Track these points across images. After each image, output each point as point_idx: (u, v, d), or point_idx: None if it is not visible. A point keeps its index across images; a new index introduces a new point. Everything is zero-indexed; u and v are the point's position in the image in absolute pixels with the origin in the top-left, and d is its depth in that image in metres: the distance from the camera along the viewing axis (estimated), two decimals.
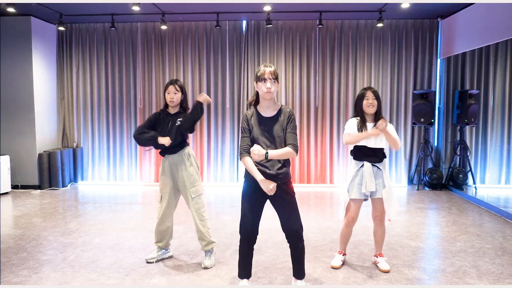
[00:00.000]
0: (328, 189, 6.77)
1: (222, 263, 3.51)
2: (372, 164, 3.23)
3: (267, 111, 2.75)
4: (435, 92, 6.75)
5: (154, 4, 5.81)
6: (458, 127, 6.56)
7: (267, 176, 2.66)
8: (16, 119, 6.50)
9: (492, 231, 4.38)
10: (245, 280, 2.83)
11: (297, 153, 2.67)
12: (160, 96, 7.01)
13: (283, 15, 6.50)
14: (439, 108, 6.91)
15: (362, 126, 3.24)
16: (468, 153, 6.55)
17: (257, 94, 2.79)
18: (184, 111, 3.50)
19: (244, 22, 6.86)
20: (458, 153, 6.56)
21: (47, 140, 6.85)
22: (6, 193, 6.29)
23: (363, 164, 3.25)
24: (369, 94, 3.24)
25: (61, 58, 7.09)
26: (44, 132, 6.78)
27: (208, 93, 6.96)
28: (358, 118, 3.28)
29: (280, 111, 2.74)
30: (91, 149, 7.19)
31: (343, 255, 3.49)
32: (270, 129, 2.70)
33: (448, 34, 6.59)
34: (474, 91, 6.35)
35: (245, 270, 2.83)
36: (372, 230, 3.50)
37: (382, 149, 3.26)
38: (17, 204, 5.67)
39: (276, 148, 2.67)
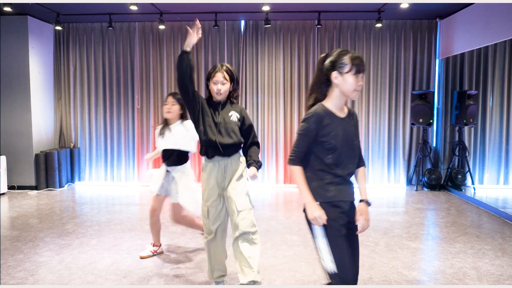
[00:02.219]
0: None
1: None
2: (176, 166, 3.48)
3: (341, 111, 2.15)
4: (433, 92, 6.74)
5: (152, 4, 5.77)
6: (457, 128, 6.54)
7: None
8: (12, 119, 6.45)
9: (491, 232, 4.37)
10: None
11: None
12: (158, 97, 6.97)
13: (281, 15, 6.47)
14: (437, 108, 6.90)
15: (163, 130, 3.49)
16: (467, 154, 6.54)
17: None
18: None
19: (243, 22, 6.83)
20: (457, 154, 6.55)
21: (44, 141, 6.80)
22: (3, 193, 6.24)
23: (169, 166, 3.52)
24: (169, 99, 3.45)
25: (58, 58, 7.04)
26: (41, 132, 6.73)
27: (206, 94, 6.92)
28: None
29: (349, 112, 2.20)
30: (89, 149, 7.15)
31: (153, 246, 3.69)
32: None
33: (446, 35, 6.58)
34: (473, 92, 6.33)
35: None
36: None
37: (176, 151, 3.46)
38: (14, 205, 5.62)
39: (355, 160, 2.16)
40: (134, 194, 6.41)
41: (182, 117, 3.51)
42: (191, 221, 3.66)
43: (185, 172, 3.49)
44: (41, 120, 6.72)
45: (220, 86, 2.78)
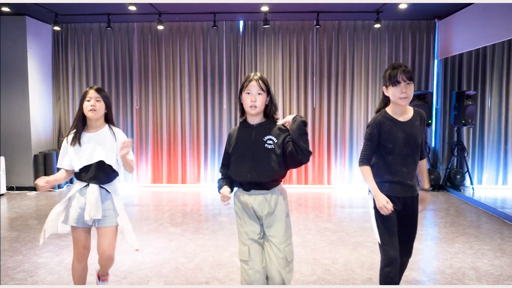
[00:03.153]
0: (326, 190, 6.75)
1: (220, 265, 3.48)
2: (99, 186, 2.53)
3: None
4: (432, 93, 6.75)
5: (150, 4, 5.77)
6: (455, 128, 6.56)
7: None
8: (11, 120, 6.44)
9: (490, 232, 4.38)
10: None
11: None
12: (157, 97, 6.96)
13: (280, 15, 6.48)
14: (436, 109, 6.92)
15: None
16: (466, 154, 6.55)
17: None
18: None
19: (241, 23, 6.83)
20: (456, 154, 6.56)
21: (42, 141, 6.79)
22: (2, 194, 6.23)
23: (87, 185, 2.53)
24: (92, 93, 2.56)
25: (56, 59, 7.03)
26: (40, 133, 6.72)
27: (205, 93, 6.93)
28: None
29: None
30: None
31: None
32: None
33: (445, 35, 6.60)
34: (471, 92, 6.35)
35: None
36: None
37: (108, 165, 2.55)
38: (13, 205, 5.61)
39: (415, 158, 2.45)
40: (133, 195, 6.40)
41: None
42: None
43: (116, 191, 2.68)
44: (40, 120, 6.71)
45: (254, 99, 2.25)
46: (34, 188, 6.54)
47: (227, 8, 6.10)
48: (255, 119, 2.28)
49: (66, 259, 3.61)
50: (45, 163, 6.53)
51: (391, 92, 2.34)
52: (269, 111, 2.30)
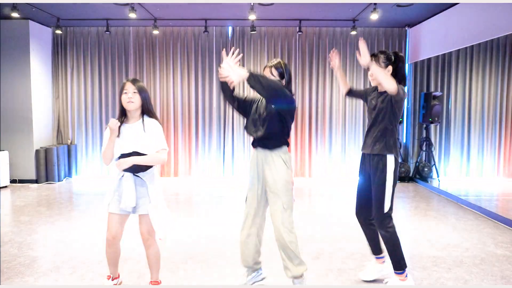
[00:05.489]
0: (308, 181, 7.37)
1: (215, 240, 4.03)
2: (133, 174, 2.65)
3: None
4: None
5: (147, 10, 6.30)
6: (424, 126, 7.26)
7: None
8: (14, 116, 6.88)
9: (447, 214, 5.06)
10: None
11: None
12: (151, 96, 7.48)
13: (266, 22, 7.09)
14: (407, 108, 7.61)
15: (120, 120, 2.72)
16: (433, 149, 7.26)
17: None
18: None
19: (230, 28, 7.42)
20: (424, 149, 7.26)
21: (43, 137, 7.24)
22: (5, 187, 6.67)
23: (123, 175, 2.67)
24: (129, 86, 2.66)
25: (56, 60, 7.49)
26: (40, 129, 7.17)
27: (196, 94, 7.49)
28: None
29: None
30: (85, 145, 7.62)
31: (112, 279, 2.88)
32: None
33: (414, 42, 7.30)
34: (438, 93, 7.05)
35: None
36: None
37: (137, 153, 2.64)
38: (19, 195, 6.06)
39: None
40: None
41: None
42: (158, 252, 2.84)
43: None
44: (41, 118, 7.17)
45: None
46: (36, 181, 6.99)
47: (218, 15, 6.68)
48: None
49: (79, 237, 4.13)
50: (46, 157, 6.99)
51: None
52: None
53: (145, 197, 2.67)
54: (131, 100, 2.64)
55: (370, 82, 3.06)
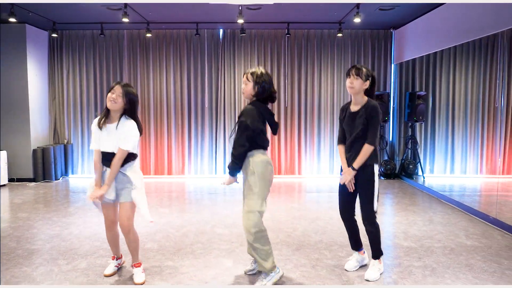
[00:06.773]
0: (297, 179, 7.61)
1: (203, 233, 4.27)
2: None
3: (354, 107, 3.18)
4: (389, 93, 7.69)
5: (139, 14, 6.51)
6: (409, 124, 7.51)
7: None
8: (12, 117, 7.09)
9: (426, 209, 5.31)
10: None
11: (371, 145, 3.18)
12: (145, 97, 7.71)
13: (255, 25, 7.32)
14: (393, 107, 7.86)
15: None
16: (418, 147, 7.51)
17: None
18: None
19: (221, 31, 7.64)
20: (409, 147, 7.52)
21: (40, 137, 7.46)
22: (3, 185, 6.88)
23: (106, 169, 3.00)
24: (117, 88, 2.86)
25: (52, 62, 7.71)
26: (38, 129, 7.39)
27: (189, 95, 7.72)
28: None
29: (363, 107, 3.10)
30: (81, 145, 7.84)
31: (116, 259, 3.28)
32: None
33: (399, 43, 7.55)
34: (422, 93, 7.30)
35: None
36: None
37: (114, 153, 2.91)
38: (17, 193, 6.28)
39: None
40: None
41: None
42: (137, 238, 3.13)
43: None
44: (38, 118, 7.38)
45: (243, 86, 3.16)
46: (33, 180, 7.21)
47: (209, 19, 6.91)
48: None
49: (74, 231, 4.35)
50: (43, 157, 7.20)
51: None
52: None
53: (126, 187, 2.95)
54: (114, 100, 2.84)
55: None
